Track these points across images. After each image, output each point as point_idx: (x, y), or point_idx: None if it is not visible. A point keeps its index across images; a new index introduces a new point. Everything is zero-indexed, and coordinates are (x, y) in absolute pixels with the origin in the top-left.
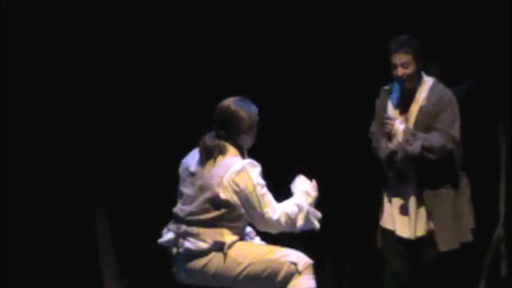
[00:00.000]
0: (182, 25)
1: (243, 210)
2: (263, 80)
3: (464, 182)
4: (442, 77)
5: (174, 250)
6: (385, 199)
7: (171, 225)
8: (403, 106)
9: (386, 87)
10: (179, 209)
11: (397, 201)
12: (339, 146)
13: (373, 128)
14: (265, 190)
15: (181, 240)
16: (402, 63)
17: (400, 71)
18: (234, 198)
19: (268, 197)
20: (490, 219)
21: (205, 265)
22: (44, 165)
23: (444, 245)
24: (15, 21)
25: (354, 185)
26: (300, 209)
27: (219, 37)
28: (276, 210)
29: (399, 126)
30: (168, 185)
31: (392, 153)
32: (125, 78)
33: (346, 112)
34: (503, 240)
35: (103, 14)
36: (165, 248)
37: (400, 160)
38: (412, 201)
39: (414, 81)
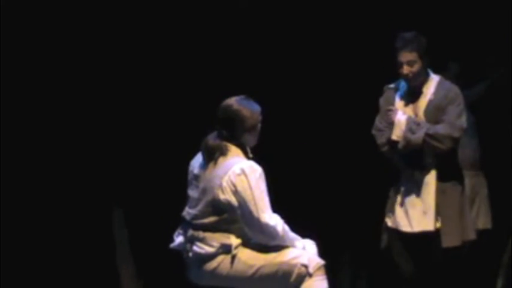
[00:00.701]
0: (182, 25)
1: (239, 213)
2: (264, 79)
3: (481, 181)
4: (461, 77)
5: (185, 254)
6: (394, 198)
7: (180, 229)
8: (411, 102)
9: (391, 86)
10: (186, 212)
11: (406, 197)
12: (346, 145)
13: (378, 125)
14: (263, 195)
15: (189, 244)
16: (408, 61)
17: (406, 69)
18: (232, 200)
19: (266, 203)
20: (506, 219)
21: (216, 268)
22: (63, 167)
23: (447, 241)
24: (15, 21)
25: (369, 182)
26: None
27: (219, 37)
28: (272, 217)
29: (401, 116)
30: (185, 186)
31: (394, 144)
32: (136, 82)
33: (349, 111)
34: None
35: (105, 14)
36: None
37: (401, 149)
38: (425, 195)
39: (420, 79)
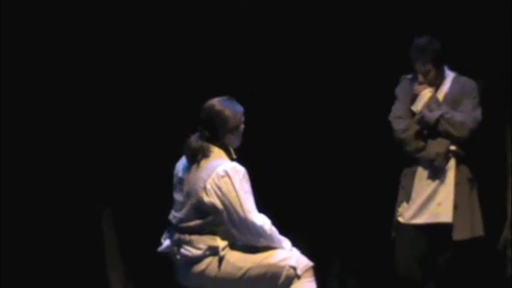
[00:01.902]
0: (182, 25)
1: (225, 216)
2: (264, 79)
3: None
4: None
5: (173, 257)
6: (406, 188)
7: (167, 233)
8: (431, 91)
9: (409, 76)
10: (172, 216)
11: (422, 188)
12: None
13: (396, 112)
14: (248, 196)
15: (176, 247)
16: (422, 72)
17: (421, 78)
18: (217, 202)
19: (251, 203)
20: (498, 222)
21: (204, 270)
22: (52, 169)
23: (459, 234)
24: (15, 21)
25: (358, 183)
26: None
27: (219, 37)
28: (259, 217)
29: (427, 92)
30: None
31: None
32: (133, 83)
33: (339, 113)
34: (510, 243)
35: (100, 14)
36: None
37: (415, 123)
38: (443, 185)
39: (437, 81)
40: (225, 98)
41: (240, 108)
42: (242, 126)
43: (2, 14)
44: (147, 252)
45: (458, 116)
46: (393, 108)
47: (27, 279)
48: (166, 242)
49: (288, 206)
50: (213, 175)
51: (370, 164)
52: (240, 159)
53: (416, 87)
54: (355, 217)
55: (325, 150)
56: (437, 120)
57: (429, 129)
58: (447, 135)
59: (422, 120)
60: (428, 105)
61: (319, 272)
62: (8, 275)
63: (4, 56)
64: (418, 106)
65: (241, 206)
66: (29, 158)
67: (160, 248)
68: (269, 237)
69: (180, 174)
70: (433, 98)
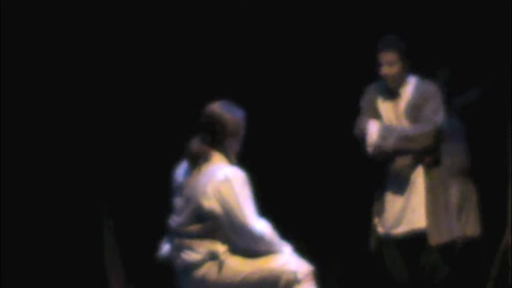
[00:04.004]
0: (182, 25)
1: (225, 220)
2: (264, 80)
3: (470, 188)
4: (453, 83)
5: (173, 261)
6: (381, 199)
7: (167, 237)
8: (392, 103)
9: (372, 86)
10: (172, 220)
11: (394, 197)
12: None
13: (360, 126)
14: (248, 200)
15: (176, 252)
16: (387, 61)
17: (385, 69)
18: (217, 207)
19: (252, 208)
20: (498, 225)
21: (204, 275)
22: (53, 173)
23: (435, 238)
24: (15, 21)
25: (358, 186)
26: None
27: (219, 37)
28: (259, 222)
29: (373, 125)
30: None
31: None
32: (133, 86)
33: (334, 115)
34: (511, 247)
35: (101, 14)
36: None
37: (376, 157)
38: (414, 193)
39: (399, 80)
40: (226, 102)
41: (241, 113)
42: (243, 131)
43: (2, 14)
44: (147, 256)
45: (412, 130)
46: (357, 121)
47: (28, 283)
48: (166, 247)
49: (289, 211)
50: (214, 180)
51: (371, 167)
52: (241, 164)
53: (359, 125)
54: (356, 221)
55: (325, 153)
56: (395, 144)
57: (391, 155)
58: (409, 151)
59: (382, 152)
60: (381, 136)
61: (320, 277)
62: (8, 277)
63: (4, 56)
64: (369, 142)
65: (241, 210)
66: (30, 162)
67: (160, 253)
68: (269, 241)
69: (180, 178)
70: (382, 127)
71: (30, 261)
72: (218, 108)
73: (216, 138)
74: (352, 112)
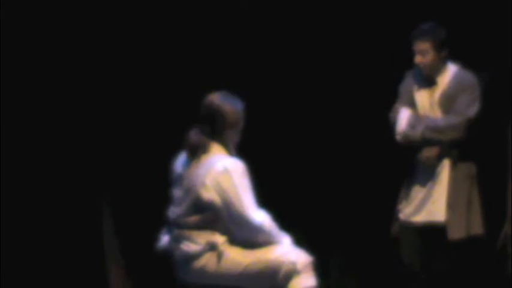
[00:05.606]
0: (182, 25)
1: (224, 211)
2: (265, 78)
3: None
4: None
5: (173, 252)
6: (407, 188)
7: (166, 228)
8: (428, 90)
9: (411, 72)
10: (171, 211)
11: (419, 187)
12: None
13: (394, 111)
14: (247, 191)
15: (175, 243)
16: (420, 50)
17: (418, 59)
18: (216, 198)
19: (251, 199)
20: (498, 219)
21: (203, 266)
22: (51, 165)
23: (453, 233)
24: (15, 21)
25: (358, 180)
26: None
27: (219, 37)
28: (258, 213)
29: (403, 113)
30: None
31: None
32: (132, 81)
33: (339, 110)
34: (510, 239)
35: (100, 13)
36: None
37: (402, 143)
38: (437, 185)
39: (435, 69)
40: (225, 93)
41: (240, 104)
42: (242, 122)
43: (2, 14)
44: (147, 247)
45: (441, 121)
46: (394, 106)
47: (26, 276)
48: (165, 238)
49: (288, 202)
50: (213, 171)
51: (371, 161)
52: (240, 155)
53: (391, 114)
54: (355, 212)
55: (325, 146)
56: (423, 134)
57: (419, 144)
58: (440, 142)
59: (408, 140)
60: (409, 124)
61: (319, 267)
62: (7, 272)
63: (4, 55)
64: (398, 130)
65: (240, 202)
66: (29, 155)
67: (159, 244)
68: (268, 232)
69: (179, 169)
70: (411, 115)
71: (30, 253)
72: (217, 99)
73: (215, 129)
74: (361, 102)
